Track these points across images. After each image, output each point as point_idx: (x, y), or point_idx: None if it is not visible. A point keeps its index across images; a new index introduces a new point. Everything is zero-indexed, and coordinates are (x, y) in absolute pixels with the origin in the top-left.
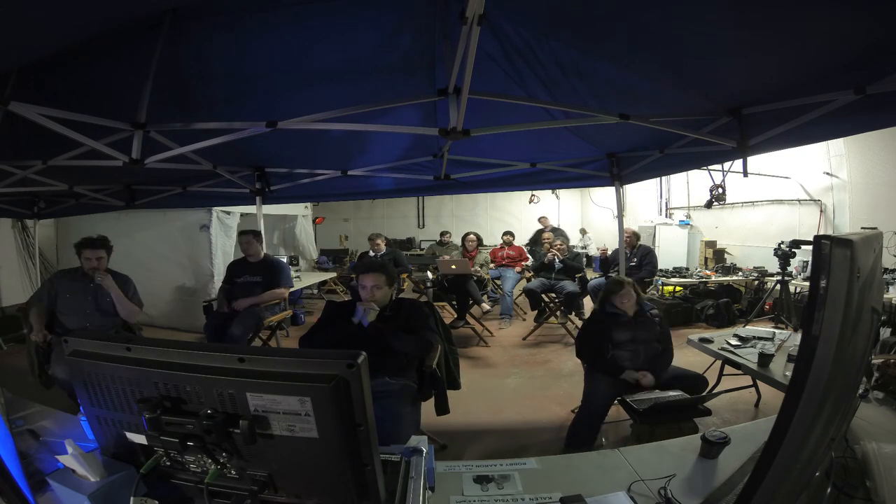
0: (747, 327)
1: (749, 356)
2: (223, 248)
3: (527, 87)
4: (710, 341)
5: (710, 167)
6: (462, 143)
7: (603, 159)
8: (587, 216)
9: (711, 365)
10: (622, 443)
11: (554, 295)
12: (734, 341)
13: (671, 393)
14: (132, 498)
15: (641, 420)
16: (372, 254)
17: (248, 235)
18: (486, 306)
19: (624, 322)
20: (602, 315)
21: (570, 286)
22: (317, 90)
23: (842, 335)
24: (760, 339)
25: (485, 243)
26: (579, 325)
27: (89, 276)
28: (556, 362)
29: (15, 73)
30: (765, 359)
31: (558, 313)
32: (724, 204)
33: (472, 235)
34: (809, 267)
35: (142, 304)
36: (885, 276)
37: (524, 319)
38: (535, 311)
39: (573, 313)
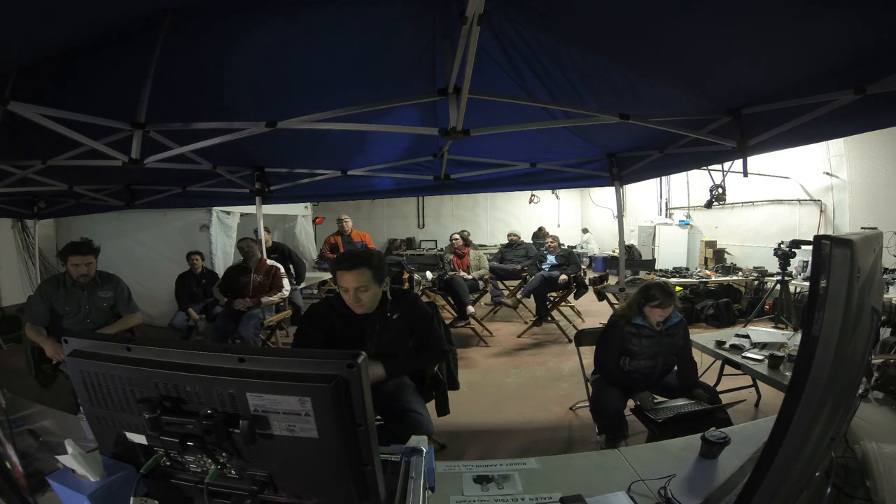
0: (748, 327)
1: (753, 356)
2: (223, 248)
3: (527, 87)
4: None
5: (710, 167)
6: (462, 143)
7: (603, 159)
8: (587, 216)
9: (711, 365)
10: (622, 443)
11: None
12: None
13: (681, 401)
14: (132, 498)
15: (661, 431)
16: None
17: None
18: (471, 309)
19: (648, 335)
20: (625, 324)
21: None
22: (316, 90)
23: (842, 335)
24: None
25: (484, 243)
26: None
27: (80, 283)
28: (556, 362)
29: (15, 73)
30: (775, 361)
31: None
32: (724, 204)
33: (456, 235)
34: (809, 267)
35: (136, 310)
36: (885, 276)
37: (526, 323)
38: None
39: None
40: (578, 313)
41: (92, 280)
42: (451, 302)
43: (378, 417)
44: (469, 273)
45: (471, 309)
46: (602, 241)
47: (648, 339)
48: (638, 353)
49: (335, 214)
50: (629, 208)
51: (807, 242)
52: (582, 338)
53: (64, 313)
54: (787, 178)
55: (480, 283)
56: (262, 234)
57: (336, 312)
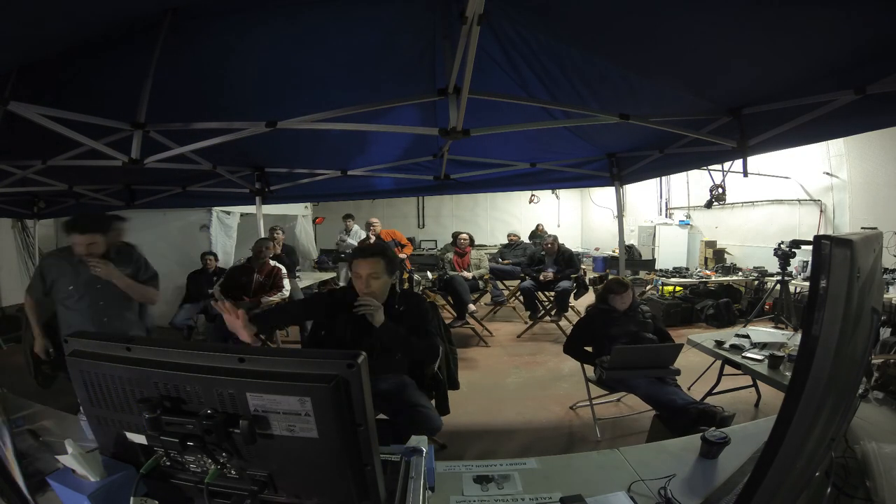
0: (749, 327)
1: (753, 356)
2: (223, 248)
3: (527, 87)
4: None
5: (710, 167)
6: (462, 142)
7: (603, 159)
8: (587, 216)
9: (711, 365)
10: (622, 442)
11: (552, 294)
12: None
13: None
14: (132, 498)
15: (609, 369)
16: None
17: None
18: (472, 307)
19: (616, 317)
20: (595, 311)
21: (565, 285)
22: (317, 90)
23: (842, 335)
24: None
25: (484, 243)
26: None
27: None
28: (556, 362)
29: (15, 72)
30: (775, 361)
31: (553, 312)
32: (724, 204)
33: (464, 235)
34: (809, 267)
35: (157, 285)
36: (885, 276)
37: (526, 322)
38: (529, 311)
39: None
40: (579, 313)
41: (101, 258)
42: (451, 302)
43: (383, 416)
44: (469, 272)
45: (472, 307)
46: (602, 241)
47: (617, 319)
48: (613, 334)
49: (335, 214)
50: (629, 208)
51: (807, 242)
52: None
53: (67, 294)
54: (787, 178)
55: (480, 282)
56: (260, 231)
57: (346, 301)
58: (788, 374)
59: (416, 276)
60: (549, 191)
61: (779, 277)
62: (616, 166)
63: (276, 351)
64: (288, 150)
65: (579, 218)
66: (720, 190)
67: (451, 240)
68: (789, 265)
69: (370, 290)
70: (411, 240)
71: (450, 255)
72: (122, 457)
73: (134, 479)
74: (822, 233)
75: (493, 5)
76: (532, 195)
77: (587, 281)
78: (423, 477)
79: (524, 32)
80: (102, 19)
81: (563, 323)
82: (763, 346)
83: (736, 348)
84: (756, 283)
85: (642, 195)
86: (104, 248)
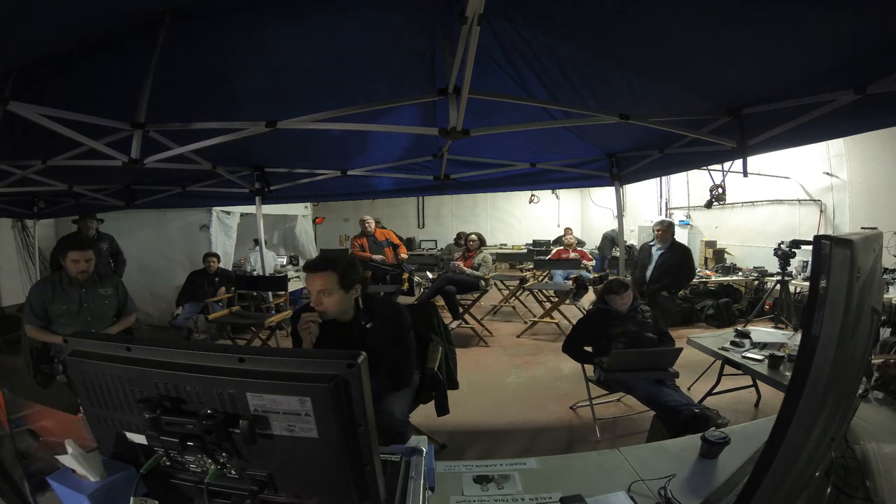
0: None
1: (753, 356)
2: (223, 248)
3: (527, 87)
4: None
5: (710, 167)
6: (462, 142)
7: (603, 159)
8: (587, 216)
9: (711, 365)
10: (622, 442)
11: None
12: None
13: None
14: (132, 498)
15: (607, 371)
16: None
17: None
18: (453, 325)
19: (615, 316)
20: (595, 311)
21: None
22: (317, 90)
23: (842, 335)
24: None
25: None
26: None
27: (76, 282)
28: (556, 362)
29: (14, 72)
30: (775, 361)
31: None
32: (724, 204)
33: (473, 236)
34: (809, 267)
35: (134, 310)
36: (885, 276)
37: (526, 322)
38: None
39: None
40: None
41: (91, 277)
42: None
43: None
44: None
45: (453, 325)
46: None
47: (616, 318)
48: (614, 333)
49: (335, 214)
50: (629, 208)
51: (807, 242)
52: None
53: (60, 313)
54: (787, 178)
55: (482, 282)
56: (260, 231)
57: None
58: (788, 374)
59: (416, 278)
60: (549, 191)
61: (779, 277)
62: (616, 166)
63: (276, 351)
64: (288, 150)
65: (579, 218)
66: (720, 190)
67: (453, 240)
68: (789, 265)
69: (322, 307)
70: (411, 240)
71: (457, 254)
72: (122, 457)
73: (134, 479)
74: (822, 233)
75: (494, 5)
76: (532, 195)
77: (587, 281)
78: (423, 477)
79: (524, 32)
80: (102, 19)
81: (563, 323)
82: (763, 346)
83: (736, 348)
84: (756, 283)
85: (642, 195)
86: (94, 264)
